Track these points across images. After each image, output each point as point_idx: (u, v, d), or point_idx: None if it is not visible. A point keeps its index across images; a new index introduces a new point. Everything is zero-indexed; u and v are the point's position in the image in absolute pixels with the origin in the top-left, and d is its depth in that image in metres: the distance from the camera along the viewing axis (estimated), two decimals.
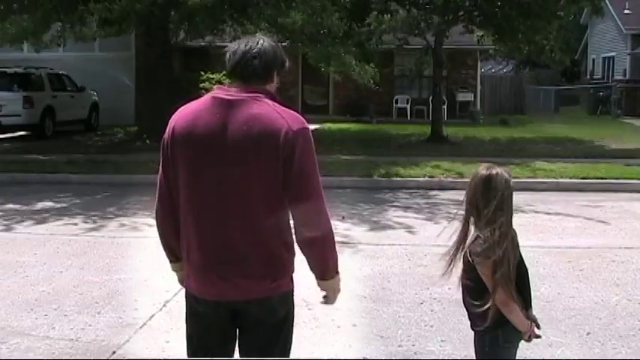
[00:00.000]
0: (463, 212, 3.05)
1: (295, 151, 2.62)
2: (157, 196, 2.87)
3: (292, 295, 2.82)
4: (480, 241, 2.94)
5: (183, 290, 2.88)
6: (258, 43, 2.76)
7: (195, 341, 2.85)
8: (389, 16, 16.09)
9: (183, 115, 2.78)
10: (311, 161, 2.68)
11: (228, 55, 2.78)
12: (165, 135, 2.79)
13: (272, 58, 2.77)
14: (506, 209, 2.96)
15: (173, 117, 2.82)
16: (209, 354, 2.82)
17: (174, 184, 2.77)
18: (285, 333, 2.81)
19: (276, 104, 2.72)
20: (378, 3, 16.71)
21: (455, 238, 3.07)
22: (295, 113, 2.73)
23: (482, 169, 3.05)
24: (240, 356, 2.86)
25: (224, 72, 2.94)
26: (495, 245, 2.90)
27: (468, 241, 3.01)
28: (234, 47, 2.78)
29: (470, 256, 2.98)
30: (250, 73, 2.72)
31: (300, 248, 2.73)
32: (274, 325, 2.77)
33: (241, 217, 2.67)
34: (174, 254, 2.90)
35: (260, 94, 2.70)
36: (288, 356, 2.85)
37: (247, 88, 2.71)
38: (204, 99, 2.80)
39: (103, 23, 14.68)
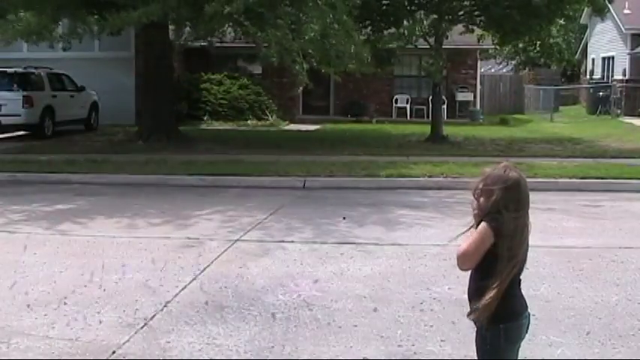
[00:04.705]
0: (477, 216, 2.98)
1: None
2: None
3: None
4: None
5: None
6: None
7: None
8: (417, 22, 16.35)
9: None
10: None
11: None
12: None
13: None
14: (527, 208, 3.03)
15: None
16: None
17: None
18: None
19: None
20: (404, 10, 16.87)
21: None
22: None
23: (508, 171, 3.05)
24: None
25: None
26: (513, 230, 2.91)
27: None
28: None
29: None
30: None
31: None
32: None
33: None
34: None
35: None
36: None
37: None
38: None
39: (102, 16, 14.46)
